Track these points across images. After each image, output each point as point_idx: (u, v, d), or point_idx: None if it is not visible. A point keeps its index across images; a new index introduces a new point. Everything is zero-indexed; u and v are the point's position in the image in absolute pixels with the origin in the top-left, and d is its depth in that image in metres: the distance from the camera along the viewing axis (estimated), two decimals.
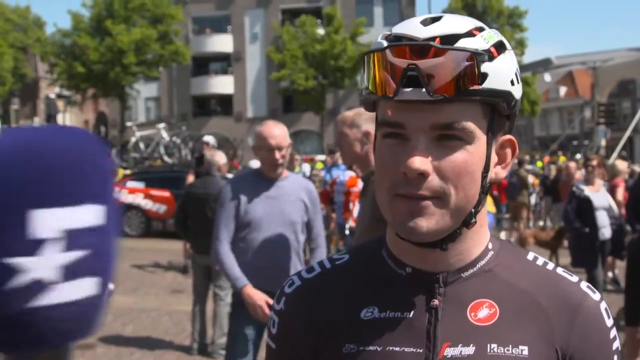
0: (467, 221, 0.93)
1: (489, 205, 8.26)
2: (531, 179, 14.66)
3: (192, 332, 6.12)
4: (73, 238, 0.61)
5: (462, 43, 0.87)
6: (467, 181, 0.90)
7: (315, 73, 33.97)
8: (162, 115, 41.16)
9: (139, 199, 14.35)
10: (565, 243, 9.61)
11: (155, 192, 14.27)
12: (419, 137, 0.88)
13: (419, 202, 0.89)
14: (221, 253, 3.50)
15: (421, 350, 0.92)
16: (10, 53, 36.85)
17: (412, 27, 0.90)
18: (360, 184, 5.11)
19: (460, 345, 0.92)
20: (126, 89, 35.48)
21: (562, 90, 53.86)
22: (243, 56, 42.30)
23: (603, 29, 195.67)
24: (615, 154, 20.70)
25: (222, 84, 42.66)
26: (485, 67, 0.87)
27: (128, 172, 15.87)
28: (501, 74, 0.89)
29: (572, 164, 12.11)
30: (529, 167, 18.73)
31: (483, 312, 0.94)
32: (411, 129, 0.89)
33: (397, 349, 0.93)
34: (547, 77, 29.98)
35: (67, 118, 43.05)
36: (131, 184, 14.71)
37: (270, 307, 3.05)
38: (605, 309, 0.97)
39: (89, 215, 0.61)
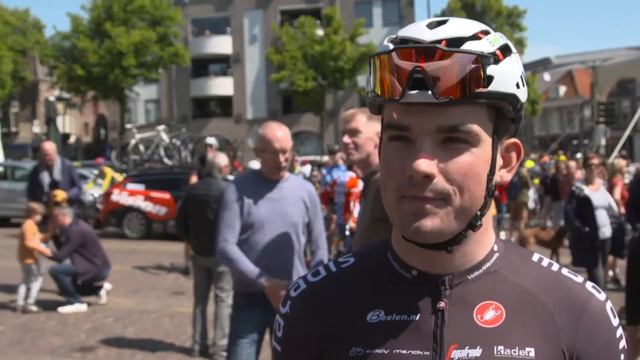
0: (473, 224, 0.93)
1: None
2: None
3: (193, 333, 6.12)
4: None
5: (468, 46, 0.87)
6: (472, 183, 0.90)
7: (314, 74, 33.97)
8: (162, 117, 41.18)
9: (139, 201, 14.35)
10: (566, 242, 9.61)
11: (155, 194, 14.27)
12: (424, 139, 0.89)
13: (424, 203, 0.89)
14: (230, 252, 3.45)
15: (428, 353, 0.92)
16: (9, 56, 36.84)
17: (418, 30, 0.90)
18: (360, 185, 5.11)
19: (467, 347, 0.92)
20: (126, 91, 35.50)
21: (562, 89, 53.89)
22: (242, 57, 42.31)
23: (602, 28, 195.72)
24: (615, 153, 20.70)
25: (221, 86, 42.66)
26: (490, 70, 0.87)
27: (118, 176, 15.85)
28: (507, 76, 0.90)
29: (572, 163, 12.10)
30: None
31: (489, 314, 0.94)
32: (417, 132, 0.89)
33: (404, 351, 0.93)
34: (547, 76, 29.99)
35: (66, 121, 43.08)
36: (131, 186, 14.71)
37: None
38: (611, 309, 0.98)
39: None
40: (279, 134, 3.48)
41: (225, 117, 42.54)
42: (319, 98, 34.96)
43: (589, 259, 6.91)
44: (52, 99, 22.89)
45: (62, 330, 6.83)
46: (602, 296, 0.98)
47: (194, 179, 8.88)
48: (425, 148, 0.88)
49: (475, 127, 0.89)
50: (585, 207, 6.95)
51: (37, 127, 44.97)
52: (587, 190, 7.00)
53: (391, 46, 0.91)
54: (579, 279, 1.00)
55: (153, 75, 35.66)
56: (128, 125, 28.99)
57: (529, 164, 10.04)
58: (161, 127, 19.91)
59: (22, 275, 7.84)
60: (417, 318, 0.95)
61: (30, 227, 7.86)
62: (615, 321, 0.97)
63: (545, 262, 1.01)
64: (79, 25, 33.77)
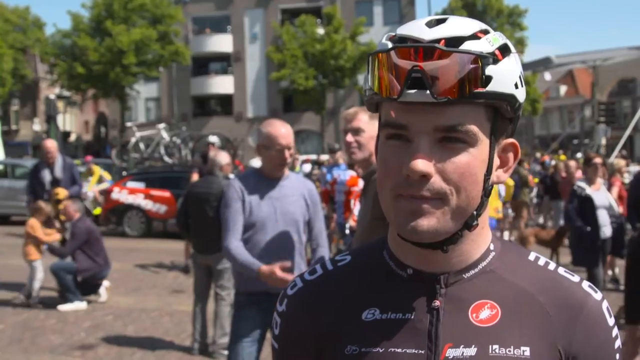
0: (469, 223, 0.93)
1: (492, 211, 8.29)
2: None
3: (192, 332, 6.12)
4: None
5: (467, 45, 0.87)
6: (469, 183, 0.90)
7: (315, 73, 33.97)
8: (162, 116, 41.17)
9: (139, 200, 14.36)
10: (566, 242, 9.61)
11: (155, 193, 14.27)
12: (422, 138, 0.88)
13: (421, 203, 0.89)
14: (233, 249, 3.44)
15: (423, 352, 0.92)
16: (10, 54, 36.83)
17: (417, 29, 0.90)
18: (361, 184, 5.12)
19: (461, 346, 0.92)
20: (126, 90, 35.49)
21: (563, 89, 53.86)
22: (243, 56, 42.30)
23: (603, 27, 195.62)
24: (615, 153, 20.71)
25: (222, 84, 42.66)
26: (489, 70, 0.87)
27: (106, 174, 15.77)
28: (505, 77, 0.89)
29: (572, 163, 12.10)
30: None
31: (485, 313, 0.94)
32: (414, 131, 0.89)
33: (399, 350, 0.93)
34: (547, 76, 29.98)
35: (67, 119, 43.08)
36: (131, 184, 14.71)
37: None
38: (607, 308, 0.98)
39: None
40: (283, 130, 3.50)
41: (226, 115, 42.55)
42: (320, 97, 34.96)
43: (589, 259, 6.90)
44: (52, 97, 22.88)
45: (62, 329, 6.83)
46: (598, 296, 0.98)
47: (195, 177, 8.89)
48: (422, 147, 0.88)
49: (473, 127, 0.89)
50: (586, 206, 6.93)
51: (38, 125, 44.96)
52: (589, 190, 6.98)
53: (390, 44, 0.90)
54: (576, 278, 1.00)
55: (153, 73, 35.64)
56: (128, 124, 28.98)
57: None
58: (161, 126, 19.87)
59: (29, 272, 7.86)
60: (412, 317, 0.95)
61: (34, 223, 7.90)
62: (611, 321, 0.97)
63: (542, 261, 1.01)
64: (79, 23, 33.75)
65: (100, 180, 15.44)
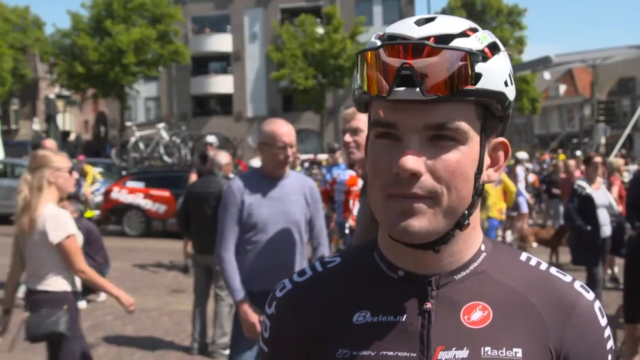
0: (460, 223, 0.92)
1: (495, 212, 8.28)
2: (532, 177, 14.63)
3: (192, 332, 6.12)
4: None
5: (456, 43, 0.87)
6: (460, 182, 0.89)
7: (314, 72, 33.97)
8: (162, 115, 41.16)
9: (138, 199, 14.36)
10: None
11: (155, 192, 14.27)
12: (411, 137, 0.88)
13: (412, 202, 0.88)
14: (225, 261, 3.48)
15: (415, 355, 0.91)
16: (9, 53, 36.83)
17: (406, 27, 0.90)
18: (360, 183, 5.11)
19: (454, 348, 0.91)
20: (126, 89, 35.50)
21: (562, 88, 53.84)
22: (242, 55, 42.28)
23: (602, 26, 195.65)
24: (615, 152, 20.70)
25: (221, 84, 42.65)
26: (479, 67, 0.86)
27: (98, 175, 15.73)
28: (495, 74, 0.89)
29: (572, 162, 12.10)
30: (528, 165, 18.70)
31: (476, 314, 0.93)
32: (404, 129, 0.88)
33: (391, 353, 0.92)
34: (547, 75, 29.92)
35: (66, 118, 43.07)
36: (131, 183, 14.71)
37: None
38: (599, 308, 0.97)
39: None
40: (285, 129, 3.50)
41: (225, 115, 42.53)
42: (319, 96, 34.96)
43: (589, 258, 6.90)
44: (52, 96, 22.89)
45: None
46: (590, 296, 0.97)
47: (193, 176, 8.89)
48: (412, 145, 0.87)
49: (463, 125, 0.88)
50: (587, 205, 6.93)
51: (37, 125, 44.96)
52: (589, 189, 6.98)
53: (379, 43, 0.90)
54: (567, 278, 0.99)
55: (153, 73, 35.64)
56: (128, 123, 28.94)
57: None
58: (161, 125, 19.85)
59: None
60: (403, 319, 0.94)
61: None
62: (603, 321, 0.96)
63: (534, 261, 1.00)
64: (79, 23, 33.75)
65: (93, 181, 15.40)
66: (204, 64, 43.29)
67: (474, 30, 0.90)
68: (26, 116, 46.52)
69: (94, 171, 15.68)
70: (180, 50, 35.01)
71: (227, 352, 4.60)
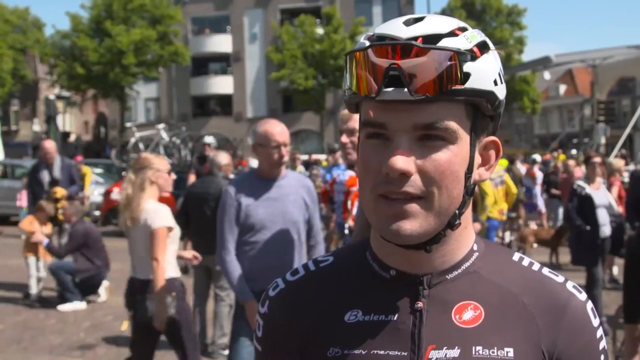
0: (452, 223, 0.92)
1: (495, 212, 8.26)
2: (539, 176, 14.55)
3: None
4: None
5: (444, 43, 0.86)
6: (450, 181, 0.89)
7: (314, 73, 33.98)
8: (162, 116, 41.17)
9: None
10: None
11: None
12: (401, 137, 0.88)
13: (403, 204, 0.88)
14: (227, 262, 3.49)
15: (406, 354, 0.91)
16: (9, 54, 36.87)
17: (395, 27, 0.90)
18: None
19: (445, 347, 0.91)
20: (126, 90, 35.52)
21: (562, 88, 53.82)
22: (242, 56, 42.30)
23: (602, 26, 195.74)
24: (615, 152, 20.70)
25: (221, 84, 42.66)
26: (467, 66, 0.86)
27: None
28: (484, 74, 0.88)
29: (571, 162, 12.10)
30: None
31: (468, 314, 0.93)
32: (393, 129, 0.88)
33: (382, 352, 0.92)
34: (547, 75, 29.93)
35: (66, 119, 43.09)
36: None
37: None
38: (592, 309, 0.97)
39: None
40: (279, 128, 3.51)
41: (225, 115, 42.54)
42: (319, 97, 34.98)
43: (589, 258, 6.90)
44: (52, 97, 22.89)
45: (61, 329, 6.83)
46: (582, 296, 0.97)
47: (192, 177, 8.91)
48: (401, 145, 0.87)
49: (453, 124, 0.88)
50: (586, 205, 6.93)
51: (37, 126, 44.99)
52: (589, 189, 6.98)
53: (367, 43, 0.90)
54: (560, 278, 0.99)
55: (153, 73, 35.66)
56: (128, 124, 28.93)
57: (503, 163, 9.75)
58: (161, 126, 19.89)
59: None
60: (395, 318, 0.94)
61: (29, 219, 7.94)
62: (595, 321, 0.96)
63: (526, 261, 1.00)
64: (78, 24, 33.76)
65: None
66: (204, 64, 43.30)
67: (463, 30, 0.90)
68: (26, 117, 46.56)
69: (91, 173, 15.70)
70: (180, 51, 35.02)
71: (227, 352, 4.60)
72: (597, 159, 7.17)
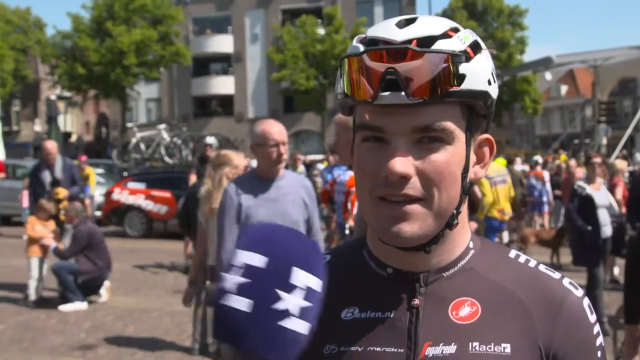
0: (450, 223, 0.92)
1: (494, 212, 8.23)
2: (547, 175, 14.55)
3: (193, 332, 6.13)
4: (309, 293, 0.88)
5: (438, 45, 0.87)
6: (449, 182, 0.89)
7: (316, 73, 33.97)
8: (163, 116, 41.20)
9: (140, 200, 14.36)
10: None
11: (156, 193, 14.28)
12: (399, 139, 0.88)
13: (402, 206, 0.89)
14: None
15: (402, 350, 0.92)
16: (10, 55, 36.91)
17: (388, 30, 0.90)
18: None
19: (441, 344, 0.91)
20: (127, 90, 35.51)
21: (563, 88, 53.78)
22: (244, 57, 42.31)
23: (604, 27, 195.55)
24: (616, 152, 20.69)
25: (222, 85, 42.67)
26: (462, 68, 0.87)
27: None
28: (478, 74, 0.89)
29: (573, 162, 12.09)
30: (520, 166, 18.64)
31: (464, 310, 0.94)
32: (391, 132, 0.89)
33: (378, 349, 0.92)
34: (548, 75, 29.89)
35: (68, 119, 43.13)
36: (132, 184, 14.72)
37: None
38: (588, 305, 0.97)
39: (316, 283, 0.90)
40: (276, 128, 3.52)
41: (227, 116, 42.55)
42: (320, 97, 34.95)
43: (590, 258, 6.89)
44: (53, 97, 22.93)
45: (62, 329, 6.84)
46: (579, 292, 0.97)
47: (193, 178, 8.91)
48: (400, 148, 0.87)
49: (450, 125, 0.89)
50: (587, 206, 6.93)
51: (39, 126, 45.03)
52: (589, 189, 6.98)
53: (361, 47, 0.90)
54: (556, 275, 0.99)
55: (154, 74, 35.66)
56: (129, 124, 28.97)
57: (501, 162, 9.66)
58: (162, 126, 19.90)
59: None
60: (391, 315, 0.94)
61: (31, 220, 7.94)
62: (592, 318, 0.96)
63: (523, 258, 1.01)
64: (79, 25, 33.77)
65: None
66: (205, 65, 43.32)
67: (456, 30, 0.90)
68: (27, 117, 46.59)
69: (94, 173, 15.72)
70: (181, 52, 35.01)
71: None
72: (597, 159, 7.17)
